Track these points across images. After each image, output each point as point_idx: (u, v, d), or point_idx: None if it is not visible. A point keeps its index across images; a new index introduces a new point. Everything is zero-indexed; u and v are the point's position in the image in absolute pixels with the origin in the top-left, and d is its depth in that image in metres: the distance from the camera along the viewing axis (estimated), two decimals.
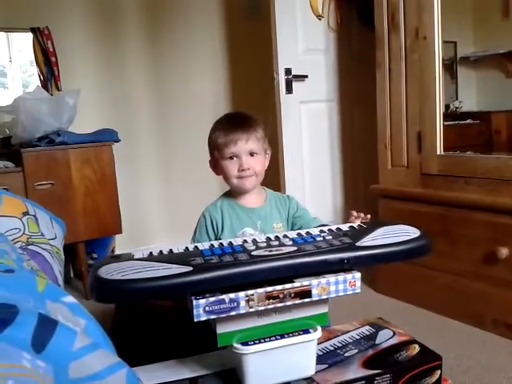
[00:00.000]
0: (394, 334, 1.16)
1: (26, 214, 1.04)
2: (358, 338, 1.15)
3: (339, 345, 1.12)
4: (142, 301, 1.12)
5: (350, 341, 1.14)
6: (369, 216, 1.26)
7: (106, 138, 2.26)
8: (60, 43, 2.52)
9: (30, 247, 1.00)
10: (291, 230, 1.37)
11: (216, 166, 1.35)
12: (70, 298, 0.64)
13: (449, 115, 2.34)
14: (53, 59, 2.45)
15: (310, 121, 2.55)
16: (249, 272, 0.88)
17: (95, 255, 2.46)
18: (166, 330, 1.30)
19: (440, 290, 1.91)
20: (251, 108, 2.87)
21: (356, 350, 1.09)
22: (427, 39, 1.93)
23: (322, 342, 1.11)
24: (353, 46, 2.67)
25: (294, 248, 0.95)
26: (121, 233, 2.34)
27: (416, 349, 1.10)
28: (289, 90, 2.40)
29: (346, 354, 1.07)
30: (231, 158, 1.29)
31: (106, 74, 2.72)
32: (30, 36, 2.49)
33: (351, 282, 0.94)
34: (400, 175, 2.09)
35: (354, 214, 1.26)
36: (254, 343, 0.93)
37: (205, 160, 1.40)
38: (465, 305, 1.82)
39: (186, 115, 2.94)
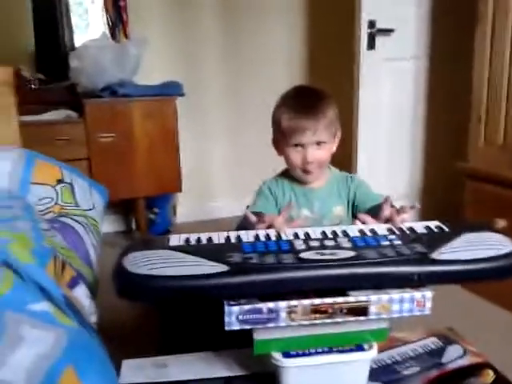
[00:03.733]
0: (465, 352, 0.98)
1: (60, 181, 0.97)
2: (421, 352, 0.99)
3: (398, 358, 0.97)
4: (168, 302, 1.02)
5: (412, 355, 0.98)
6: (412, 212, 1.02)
7: (170, 91, 2.18)
8: None
9: (61, 219, 0.93)
10: (353, 210, 1.24)
11: (279, 146, 1.22)
12: (41, 306, 0.54)
13: None
14: (121, 3, 2.34)
15: (392, 82, 2.31)
16: (294, 279, 0.75)
17: (156, 210, 2.44)
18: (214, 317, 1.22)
19: None
20: (330, 67, 2.69)
21: (417, 368, 0.93)
22: None
23: (379, 353, 0.96)
24: None
25: (352, 253, 0.80)
26: (180, 191, 2.29)
27: (490, 376, 0.92)
28: (371, 45, 2.15)
29: (405, 372, 0.92)
30: (296, 145, 1.16)
31: (177, 24, 2.60)
32: None
33: (419, 301, 0.78)
34: (494, 154, 1.83)
35: (389, 200, 1.03)
36: (297, 355, 0.81)
37: None
38: None
39: (258, 70, 2.78)
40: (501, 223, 1.63)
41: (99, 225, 1.04)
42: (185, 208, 2.65)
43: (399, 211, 0.98)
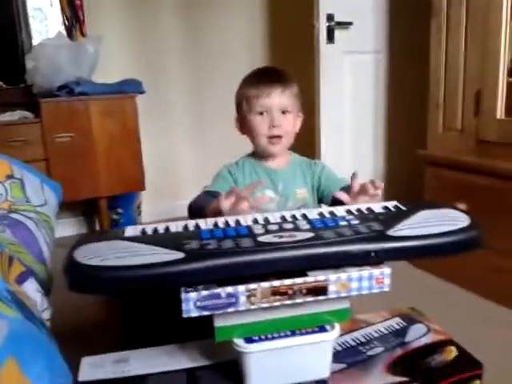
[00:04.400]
0: (429, 330, 0.99)
1: (10, 177, 0.93)
2: (385, 332, 1.00)
3: (362, 340, 0.97)
4: (122, 293, 0.99)
5: (376, 335, 0.98)
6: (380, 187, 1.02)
7: (129, 89, 2.14)
8: None
9: (11, 215, 0.89)
10: (318, 196, 1.25)
11: (243, 123, 1.21)
12: None
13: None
14: (77, 2, 2.29)
15: (353, 75, 2.31)
16: (251, 262, 0.74)
17: (120, 210, 2.39)
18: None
19: (490, 271, 1.69)
20: (292, 60, 2.69)
21: (381, 349, 0.93)
22: None
23: (343, 335, 0.96)
24: None
25: (311, 234, 0.79)
26: (144, 189, 2.25)
27: (453, 352, 0.93)
28: (330, 38, 2.16)
29: (370, 353, 0.92)
30: (261, 113, 1.16)
31: (135, 20, 2.55)
32: None
33: (378, 278, 0.78)
34: (452, 141, 1.85)
35: (356, 174, 1.03)
36: (260, 340, 0.80)
37: None
38: None
39: (219, 65, 2.75)
40: (461, 207, 1.66)
41: (52, 221, 1.00)
42: (150, 207, 2.60)
43: (371, 182, 1.00)
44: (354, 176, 1.03)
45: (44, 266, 0.89)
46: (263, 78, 1.18)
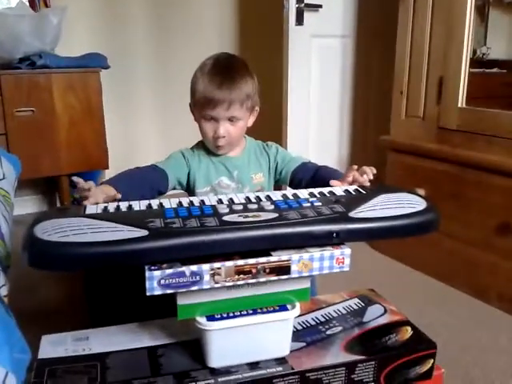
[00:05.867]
0: (385, 311, 1.03)
1: None
2: (344, 312, 1.03)
3: (322, 319, 1.00)
4: (82, 269, 0.98)
5: (335, 315, 1.01)
6: (373, 171, 1.07)
7: (93, 63, 2.08)
8: None
9: None
10: (275, 177, 1.26)
11: (194, 114, 1.22)
12: None
13: (474, 61, 2.10)
14: None
15: (320, 58, 2.31)
16: (216, 241, 0.74)
17: None
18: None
19: (444, 255, 1.76)
20: (261, 41, 2.67)
21: (340, 328, 0.96)
22: None
23: (304, 315, 0.99)
24: None
25: (275, 215, 0.80)
26: (107, 168, 2.20)
27: (408, 332, 0.97)
28: (299, 20, 2.15)
29: (328, 332, 0.95)
30: (208, 119, 1.15)
31: None
32: None
33: (339, 258, 0.81)
34: (414, 127, 1.89)
35: (355, 167, 1.06)
36: (222, 317, 0.81)
37: None
38: (469, 275, 1.68)
39: (187, 43, 2.69)
40: (420, 192, 1.71)
41: (11, 196, 0.97)
42: None
43: (361, 172, 1.04)
44: (351, 168, 1.05)
45: (2, 242, 0.87)
46: (214, 80, 1.12)
